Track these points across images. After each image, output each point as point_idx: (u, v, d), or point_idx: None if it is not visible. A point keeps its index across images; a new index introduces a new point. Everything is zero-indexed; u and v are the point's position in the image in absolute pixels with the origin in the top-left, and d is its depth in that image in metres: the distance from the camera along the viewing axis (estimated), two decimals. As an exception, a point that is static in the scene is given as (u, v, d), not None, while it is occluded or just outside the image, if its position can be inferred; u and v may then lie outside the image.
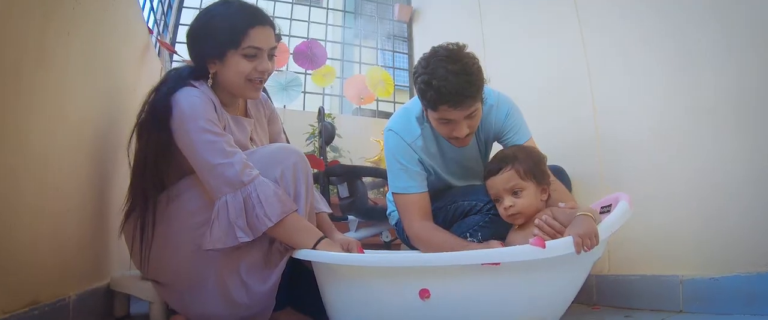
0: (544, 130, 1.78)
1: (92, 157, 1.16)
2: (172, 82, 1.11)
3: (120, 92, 1.36)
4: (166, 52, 2.31)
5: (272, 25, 1.15)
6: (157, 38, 2.08)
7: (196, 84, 1.11)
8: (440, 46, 1.20)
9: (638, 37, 1.46)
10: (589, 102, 1.62)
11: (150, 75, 1.71)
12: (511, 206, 1.09)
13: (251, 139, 1.23)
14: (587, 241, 0.84)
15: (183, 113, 1.03)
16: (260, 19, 1.12)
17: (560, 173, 1.50)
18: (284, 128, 1.44)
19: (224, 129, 1.10)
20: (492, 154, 1.48)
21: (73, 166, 1.04)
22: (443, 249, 1.18)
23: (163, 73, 1.89)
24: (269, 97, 1.42)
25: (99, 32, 1.16)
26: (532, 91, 1.94)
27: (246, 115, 1.27)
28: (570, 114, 1.73)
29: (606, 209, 1.08)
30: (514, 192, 1.10)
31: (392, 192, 1.36)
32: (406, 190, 1.32)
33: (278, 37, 1.18)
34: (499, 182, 1.12)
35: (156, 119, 1.05)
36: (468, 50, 1.20)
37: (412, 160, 1.33)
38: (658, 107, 1.38)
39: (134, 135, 1.11)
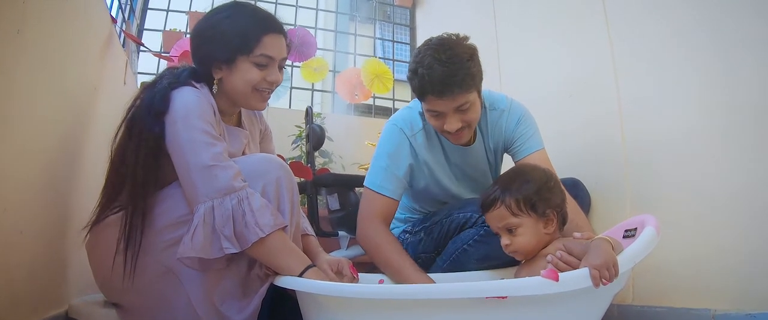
0: (563, 136, 1.81)
1: (47, 169, 1.17)
2: (171, 77, 1.16)
3: (79, 92, 1.38)
4: (132, 43, 2.33)
5: (285, 35, 1.22)
6: (121, 28, 2.10)
7: (197, 86, 1.16)
8: (437, 36, 1.28)
9: (672, 35, 1.47)
10: (615, 107, 1.64)
11: (114, 71, 1.72)
12: (508, 245, 1.11)
13: (244, 153, 1.27)
14: (605, 273, 0.85)
15: (179, 111, 1.08)
16: (275, 27, 1.20)
17: (577, 186, 1.53)
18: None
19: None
20: (502, 166, 1.52)
21: (25, 181, 1.06)
22: (383, 260, 1.29)
23: (128, 68, 1.91)
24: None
25: (54, 27, 1.18)
26: (550, 92, 1.96)
27: (239, 126, 1.31)
28: (593, 119, 1.75)
29: (630, 233, 1.09)
30: (509, 230, 1.11)
31: (364, 184, 1.41)
32: (378, 189, 1.38)
33: (289, 49, 1.25)
34: (491, 219, 1.14)
35: (151, 114, 1.09)
36: (469, 42, 1.27)
37: (401, 165, 1.38)
38: (694, 116, 1.39)
39: (122, 130, 1.13)
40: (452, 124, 1.26)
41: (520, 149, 1.42)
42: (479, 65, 1.26)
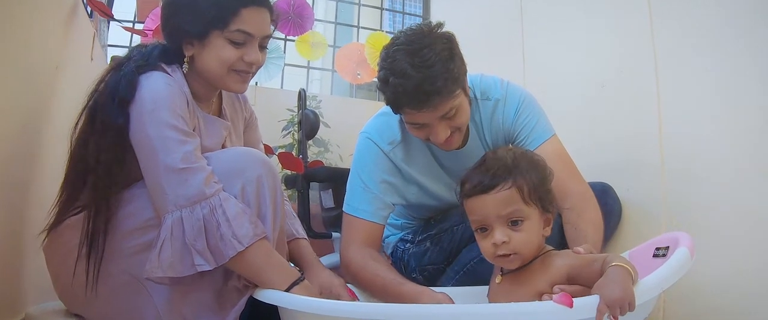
0: (592, 132, 1.82)
1: (3, 163, 1.18)
2: (140, 59, 1.16)
3: (38, 74, 1.39)
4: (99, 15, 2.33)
5: (270, 9, 1.20)
6: (87, -2, 2.11)
7: (169, 69, 1.16)
8: (406, 30, 1.24)
9: (725, 21, 1.45)
10: (654, 106, 1.63)
11: (79, 47, 1.74)
12: (505, 242, 0.96)
13: (223, 146, 1.27)
14: (616, 311, 0.82)
15: (147, 101, 1.08)
16: None
17: (606, 193, 1.53)
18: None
19: (194, 130, 1.15)
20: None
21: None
22: (373, 286, 1.24)
23: (95, 41, 1.93)
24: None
25: (9, 2, 1.19)
26: (580, 85, 1.96)
27: (220, 114, 1.32)
28: (628, 115, 1.75)
29: (661, 252, 1.10)
30: (513, 222, 0.97)
31: (343, 208, 1.41)
32: (355, 213, 1.36)
33: (275, 24, 1.24)
34: (491, 204, 0.97)
35: (115, 102, 1.10)
36: (444, 29, 1.22)
37: (375, 180, 1.36)
38: (748, 118, 1.37)
39: (83, 119, 1.15)
40: (439, 134, 1.22)
41: (526, 142, 1.37)
42: (461, 59, 1.21)
